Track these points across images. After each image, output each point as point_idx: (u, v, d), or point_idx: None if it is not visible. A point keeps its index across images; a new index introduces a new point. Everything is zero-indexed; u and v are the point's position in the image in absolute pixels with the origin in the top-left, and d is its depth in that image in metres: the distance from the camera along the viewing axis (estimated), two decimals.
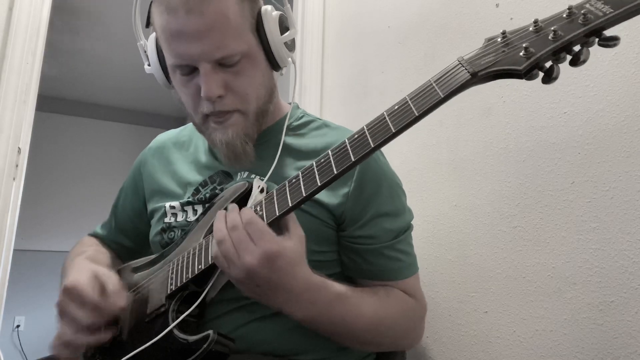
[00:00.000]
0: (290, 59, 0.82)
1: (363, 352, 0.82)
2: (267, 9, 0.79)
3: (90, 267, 0.75)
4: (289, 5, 0.82)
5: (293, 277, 0.64)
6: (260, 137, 0.84)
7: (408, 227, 0.83)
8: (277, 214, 0.64)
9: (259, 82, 0.79)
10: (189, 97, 0.78)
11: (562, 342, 0.83)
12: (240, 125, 0.78)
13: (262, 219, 0.65)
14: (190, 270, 0.71)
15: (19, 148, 1.33)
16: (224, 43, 0.72)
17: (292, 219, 0.66)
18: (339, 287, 0.71)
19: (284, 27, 0.80)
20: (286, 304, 0.66)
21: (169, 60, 0.77)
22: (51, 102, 3.87)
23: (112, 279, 0.72)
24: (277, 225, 0.65)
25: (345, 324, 0.71)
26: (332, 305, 0.69)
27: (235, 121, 0.78)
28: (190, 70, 0.75)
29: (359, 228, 0.78)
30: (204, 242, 0.72)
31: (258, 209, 0.67)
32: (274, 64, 0.81)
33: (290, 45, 0.82)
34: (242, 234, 0.62)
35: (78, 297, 0.69)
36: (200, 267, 0.70)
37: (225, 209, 0.68)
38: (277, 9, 0.81)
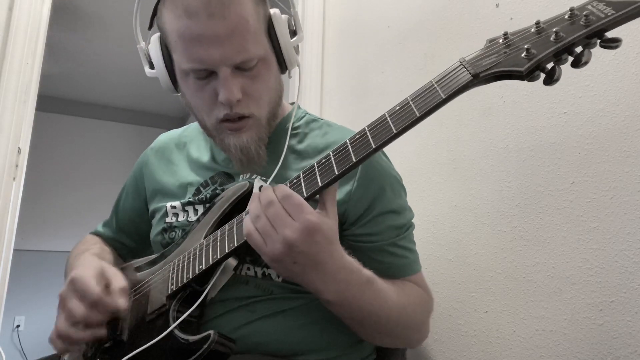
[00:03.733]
0: (296, 61, 0.82)
1: (364, 353, 0.82)
2: (276, 12, 0.79)
3: (97, 263, 0.75)
4: (297, 10, 0.82)
5: (330, 255, 0.63)
6: None
7: (410, 225, 0.83)
8: None
9: (272, 86, 0.79)
10: (203, 102, 0.77)
11: (562, 342, 0.83)
12: (254, 130, 0.78)
13: None
14: (190, 270, 0.71)
15: (19, 148, 1.33)
16: (245, 47, 0.72)
17: (330, 198, 0.64)
18: (369, 272, 0.70)
19: (292, 30, 0.81)
20: (321, 282, 0.64)
21: (184, 65, 0.75)
22: (51, 102, 3.87)
23: (118, 278, 0.72)
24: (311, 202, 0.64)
25: (372, 308, 0.70)
26: (362, 288, 0.68)
27: (250, 126, 0.77)
28: (207, 75, 0.74)
29: (362, 226, 0.78)
30: (204, 242, 0.73)
31: None
32: (283, 67, 0.81)
33: (297, 49, 0.82)
34: (278, 209, 0.61)
35: (81, 289, 0.69)
36: (201, 267, 0.70)
37: (223, 215, 0.67)
38: (283, 12, 0.81)
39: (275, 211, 0.61)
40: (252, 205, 0.64)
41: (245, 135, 0.77)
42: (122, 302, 0.70)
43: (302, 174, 0.65)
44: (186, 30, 0.72)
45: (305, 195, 0.63)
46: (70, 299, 0.69)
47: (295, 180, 0.65)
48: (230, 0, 0.70)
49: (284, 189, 0.63)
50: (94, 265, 0.74)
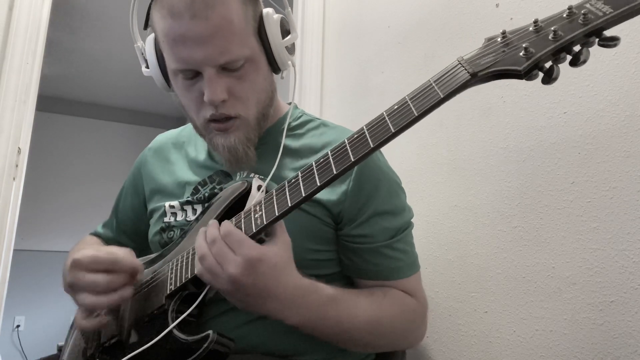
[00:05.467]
0: (290, 62, 0.82)
1: (363, 353, 0.82)
2: (268, 12, 0.78)
3: (91, 248, 0.75)
4: (289, 9, 0.81)
5: (279, 283, 0.64)
6: (259, 138, 0.84)
7: (408, 226, 0.82)
8: (277, 214, 0.64)
9: (260, 87, 0.79)
10: (191, 102, 0.78)
11: (562, 342, 0.83)
12: (242, 131, 0.78)
13: (262, 218, 0.65)
14: (189, 270, 0.71)
15: (19, 148, 1.33)
16: (228, 48, 0.72)
17: (279, 226, 0.66)
18: (331, 289, 0.70)
19: (285, 30, 0.80)
20: (278, 310, 0.65)
21: (171, 65, 0.76)
22: (51, 102, 3.87)
23: (116, 247, 0.73)
24: (267, 231, 0.66)
25: (341, 326, 0.70)
26: (325, 308, 0.68)
27: (237, 127, 0.77)
28: (193, 75, 0.75)
29: (356, 227, 0.78)
30: None
31: (257, 208, 0.67)
32: (275, 68, 0.81)
33: (291, 49, 0.81)
34: (221, 246, 0.63)
35: (90, 263, 0.70)
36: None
37: (221, 215, 0.68)
38: (277, 12, 0.81)
39: (218, 249, 0.63)
40: (197, 244, 0.66)
41: (233, 135, 0.77)
42: (133, 259, 0.71)
43: (301, 173, 0.65)
44: (170, 30, 0.72)
45: (303, 195, 0.63)
46: (84, 275, 0.70)
47: (293, 180, 0.65)
48: (215, 1, 0.70)
49: (227, 226, 0.65)
50: (87, 249, 0.74)
